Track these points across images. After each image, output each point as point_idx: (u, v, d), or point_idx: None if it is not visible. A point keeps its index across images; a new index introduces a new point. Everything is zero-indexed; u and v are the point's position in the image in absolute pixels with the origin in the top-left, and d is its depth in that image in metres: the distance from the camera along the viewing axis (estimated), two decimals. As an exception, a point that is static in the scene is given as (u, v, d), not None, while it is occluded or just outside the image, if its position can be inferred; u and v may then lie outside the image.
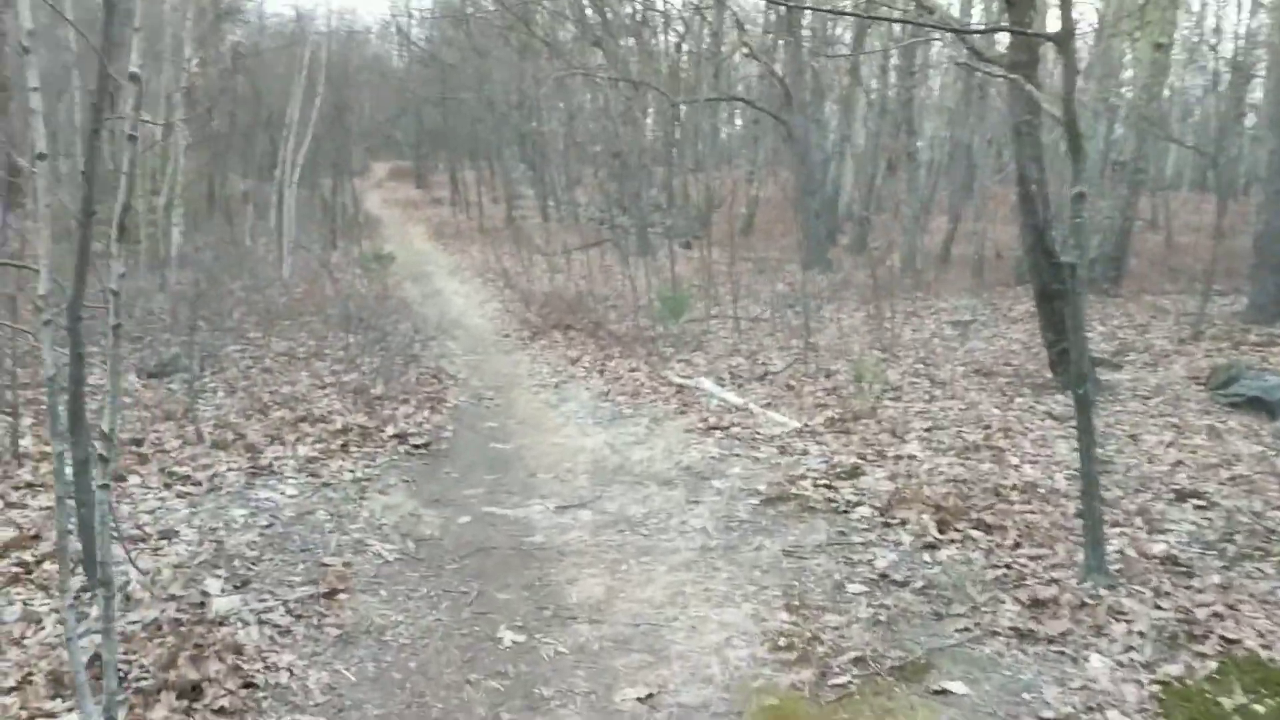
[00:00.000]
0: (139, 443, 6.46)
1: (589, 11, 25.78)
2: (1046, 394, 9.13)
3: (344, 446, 6.65)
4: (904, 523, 5.53)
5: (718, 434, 7.55)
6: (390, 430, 7.09)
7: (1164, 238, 22.84)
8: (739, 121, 33.96)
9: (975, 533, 5.32)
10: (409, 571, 4.86)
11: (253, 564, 4.71)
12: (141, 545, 4.81)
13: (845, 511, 5.77)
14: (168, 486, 5.69)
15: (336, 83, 23.60)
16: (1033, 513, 5.64)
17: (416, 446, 6.90)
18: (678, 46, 28.69)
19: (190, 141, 19.44)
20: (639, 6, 26.38)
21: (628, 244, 21.95)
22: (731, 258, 15.31)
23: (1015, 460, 6.81)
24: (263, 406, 7.55)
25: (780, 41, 23.92)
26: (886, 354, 10.90)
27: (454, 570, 4.91)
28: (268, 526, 5.22)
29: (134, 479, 5.76)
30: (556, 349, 11.37)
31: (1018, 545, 5.13)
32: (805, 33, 24.48)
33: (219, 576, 4.46)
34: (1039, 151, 9.47)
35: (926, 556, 5.08)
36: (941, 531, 5.38)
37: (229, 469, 6.04)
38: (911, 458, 6.84)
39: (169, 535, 4.94)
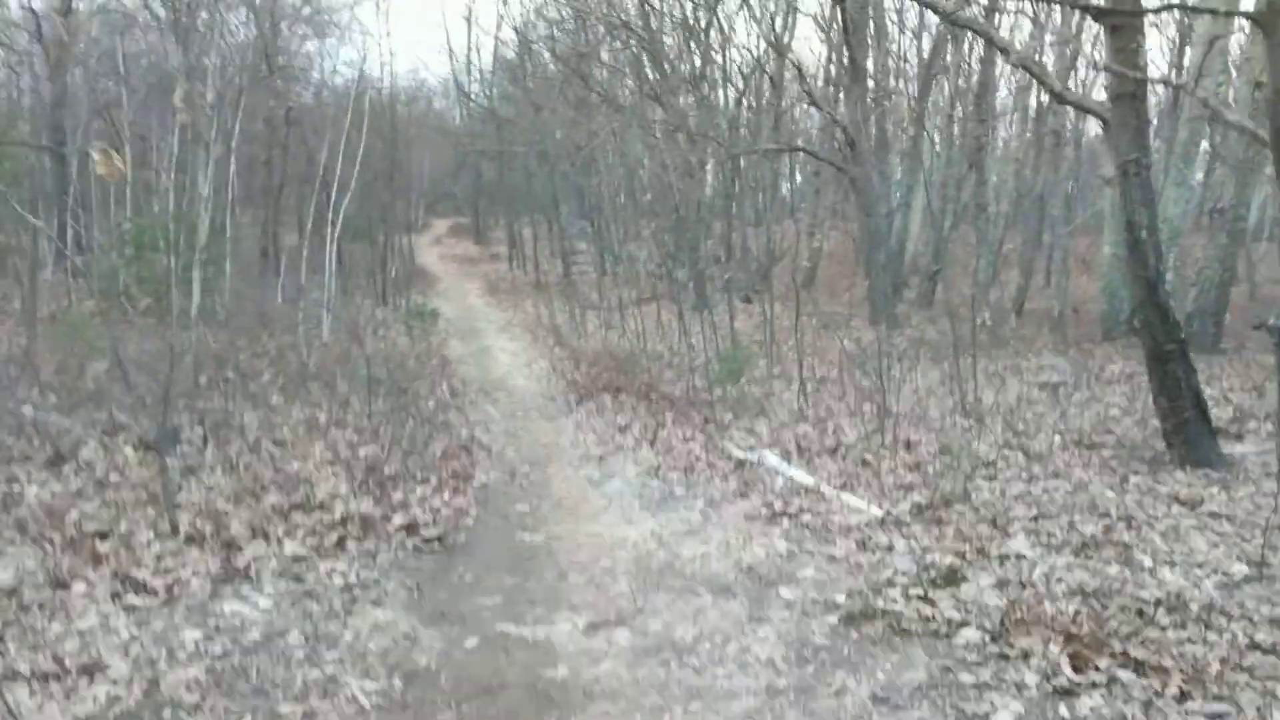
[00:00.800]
0: (104, 536, 5.42)
1: (648, 69, 25.08)
2: (1164, 471, 7.79)
3: (340, 542, 5.55)
4: (1026, 655, 4.27)
5: (785, 523, 6.34)
6: (399, 519, 5.97)
7: (1247, 289, 21.24)
8: (799, 176, 32.83)
9: (1122, 673, 4.04)
10: (389, 724, 3.73)
11: (187, 715, 3.61)
12: (53, 685, 3.73)
13: (948, 636, 4.52)
14: (116, 597, 4.63)
15: (387, 138, 23.04)
16: (1191, 641, 4.35)
17: (427, 540, 5.77)
18: (737, 101, 27.82)
19: (238, 195, 18.87)
20: (698, 62, 25.59)
21: (684, 298, 20.97)
22: (795, 313, 14.13)
23: (1148, 561, 5.50)
24: (259, 488, 6.50)
25: (843, 92, 22.90)
26: (972, 422, 9.62)
27: (448, 721, 3.77)
28: (222, 655, 4.12)
29: (79, 586, 4.72)
30: (605, 414, 10.25)
31: (1184, 695, 3.85)
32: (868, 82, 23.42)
33: (134, 738, 3.37)
34: (1150, 195, 8.21)
35: (1063, 710, 3.82)
36: (1077, 669, 4.11)
37: (196, 572, 4.97)
38: (1020, 557, 5.57)
39: (93, 670, 3.87)
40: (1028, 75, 25.77)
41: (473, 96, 36.29)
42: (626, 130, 25.99)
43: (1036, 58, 19.44)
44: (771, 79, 28.50)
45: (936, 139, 26.86)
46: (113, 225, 16.66)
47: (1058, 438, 8.96)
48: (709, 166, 24.28)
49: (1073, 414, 10.05)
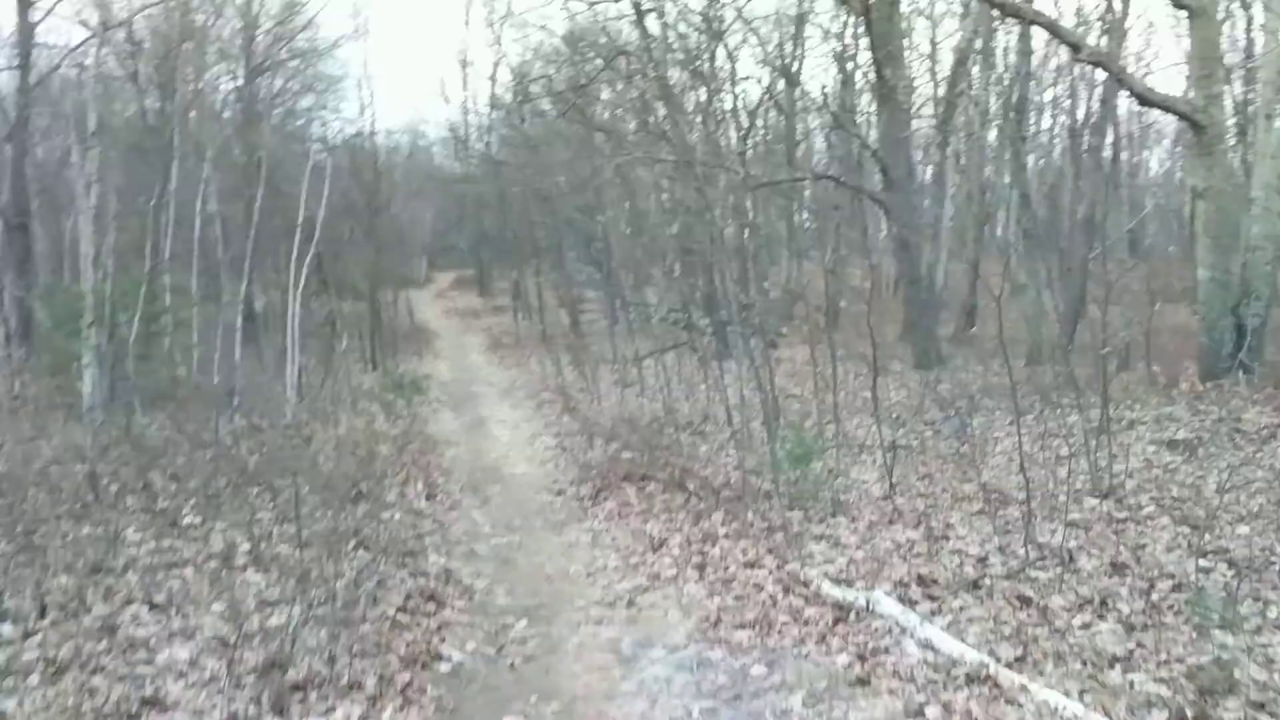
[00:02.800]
0: None
1: (653, 101, 22.66)
2: None
3: None
4: None
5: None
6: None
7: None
8: (805, 215, 29.79)
9: None
10: None
11: None
12: None
13: None
14: None
15: (368, 186, 20.64)
16: None
17: None
18: (745, 134, 25.31)
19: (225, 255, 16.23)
20: (703, 94, 23.15)
21: (707, 346, 18.42)
22: (830, 357, 11.39)
23: None
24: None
25: (869, 116, 20.47)
26: (1108, 501, 6.92)
27: None
28: None
29: None
30: (629, 518, 7.51)
31: None
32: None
33: None
34: None
35: None
36: None
37: None
38: None
39: None
40: (1065, 88, 23.39)
41: (470, 143, 33.90)
42: (633, 168, 23.55)
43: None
44: (780, 107, 26.09)
45: (960, 161, 24.27)
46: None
47: (1244, 528, 6.23)
48: (721, 201, 21.69)
49: (1236, 484, 7.27)
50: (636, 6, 18.44)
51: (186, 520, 7.03)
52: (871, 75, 19.27)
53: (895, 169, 17.51)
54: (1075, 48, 12.49)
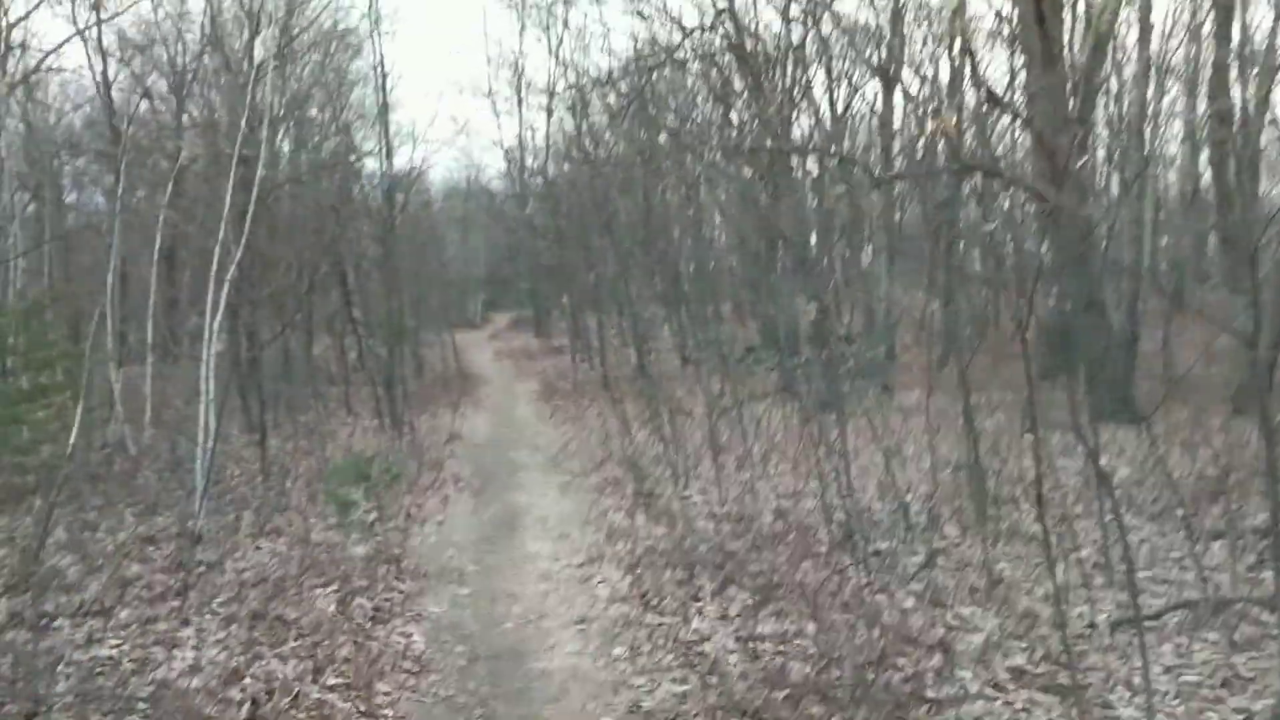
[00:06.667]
0: None
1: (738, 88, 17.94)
2: None
3: None
4: None
5: None
6: None
7: None
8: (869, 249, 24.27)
9: None
10: None
11: None
12: None
13: None
14: None
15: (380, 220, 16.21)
16: None
17: None
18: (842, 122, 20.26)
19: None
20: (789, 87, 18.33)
21: (808, 394, 13.52)
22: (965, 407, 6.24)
23: None
24: None
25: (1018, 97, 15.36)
26: None
27: None
28: None
29: None
30: None
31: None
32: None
33: None
34: None
35: None
36: None
37: None
38: None
39: None
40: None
41: (526, 171, 29.40)
42: (710, 181, 18.79)
43: None
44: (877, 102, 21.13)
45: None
46: None
47: None
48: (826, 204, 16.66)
49: None
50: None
51: None
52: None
53: (1067, 160, 12.38)
54: None
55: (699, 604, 5.37)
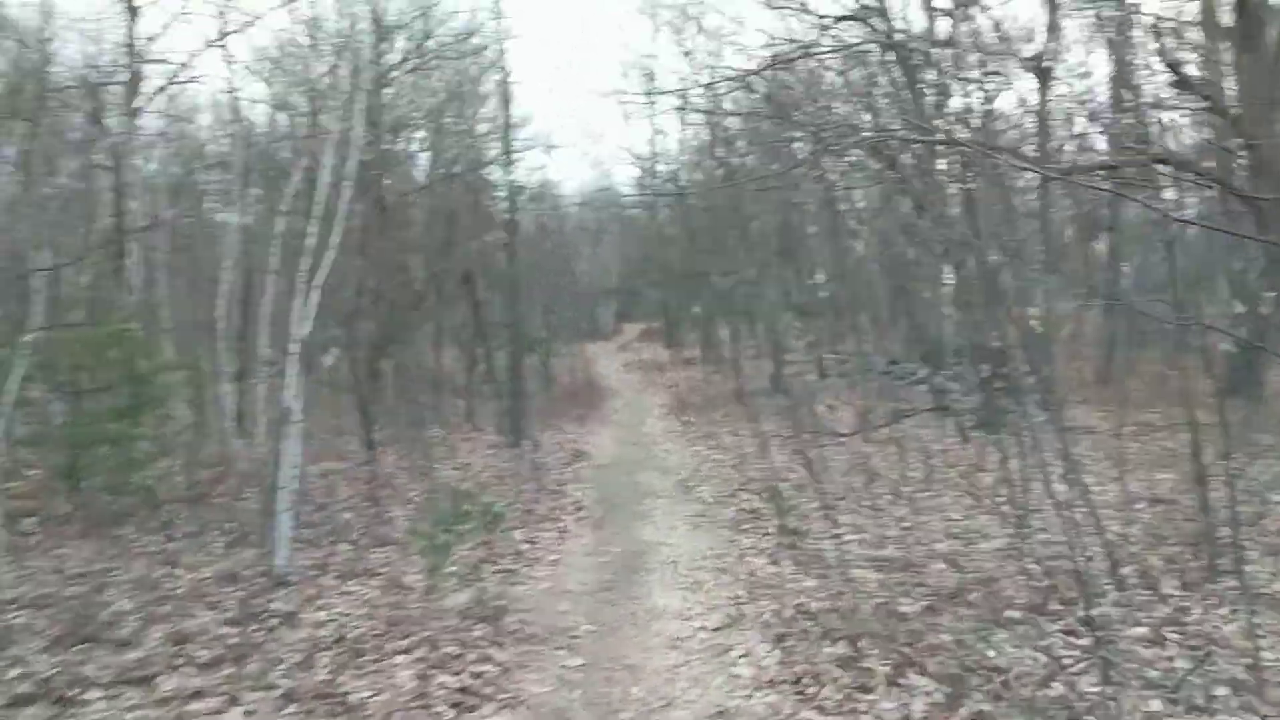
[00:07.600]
0: None
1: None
2: None
3: None
4: None
5: None
6: None
7: None
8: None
9: None
10: None
11: None
12: None
13: None
14: None
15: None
16: None
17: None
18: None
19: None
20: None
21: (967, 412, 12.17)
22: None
23: None
24: None
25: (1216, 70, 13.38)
26: None
27: None
28: None
29: None
30: None
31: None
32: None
33: None
34: None
35: None
36: None
37: None
38: None
39: None
40: None
41: (658, 176, 28.38)
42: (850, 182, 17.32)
43: None
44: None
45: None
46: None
47: None
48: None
49: None
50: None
51: None
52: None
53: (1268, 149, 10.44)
54: None
55: (870, 697, 4.10)
